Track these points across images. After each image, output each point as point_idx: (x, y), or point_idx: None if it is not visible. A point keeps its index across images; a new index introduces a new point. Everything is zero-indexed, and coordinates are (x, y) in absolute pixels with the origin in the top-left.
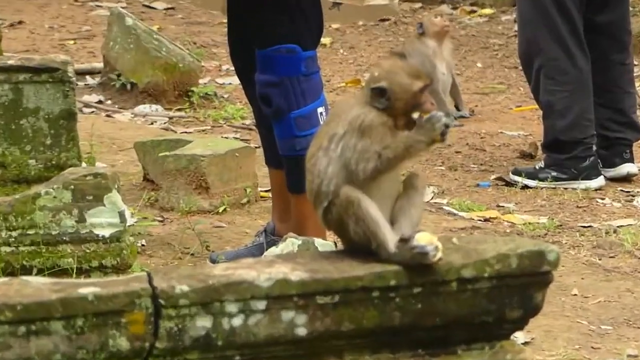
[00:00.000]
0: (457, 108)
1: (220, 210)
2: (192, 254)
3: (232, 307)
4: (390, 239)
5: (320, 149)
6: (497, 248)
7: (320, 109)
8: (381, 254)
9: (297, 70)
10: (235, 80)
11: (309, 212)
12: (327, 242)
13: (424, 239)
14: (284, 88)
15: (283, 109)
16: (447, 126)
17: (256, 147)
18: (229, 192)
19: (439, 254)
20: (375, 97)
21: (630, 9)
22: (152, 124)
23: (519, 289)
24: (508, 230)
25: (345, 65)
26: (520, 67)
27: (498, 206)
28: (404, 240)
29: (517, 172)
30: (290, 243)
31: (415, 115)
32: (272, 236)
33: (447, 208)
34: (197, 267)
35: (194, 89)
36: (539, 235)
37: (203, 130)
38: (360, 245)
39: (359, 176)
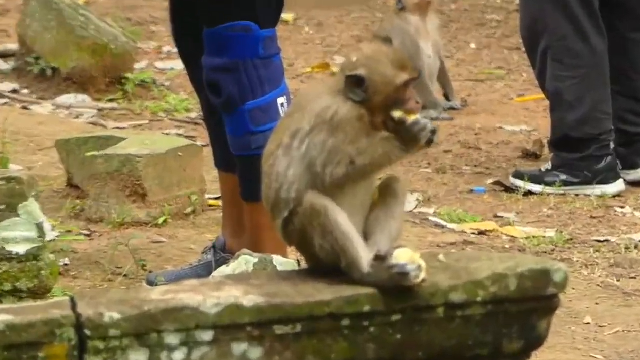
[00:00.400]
0: (447, 98)
1: (159, 222)
2: (125, 275)
3: (172, 339)
4: (363, 256)
5: (280, 147)
6: (492, 267)
7: (280, 99)
8: (353, 274)
9: (254, 52)
10: (178, 64)
11: (266, 224)
12: (288, 260)
13: (405, 257)
14: (237, 74)
15: (236, 99)
16: (433, 133)
17: (204, 146)
18: (170, 200)
19: (423, 275)
20: (350, 87)
21: None
22: (77, 117)
23: (520, 316)
24: (507, 246)
25: (311, 46)
26: (523, 49)
27: (496, 217)
28: (380, 258)
29: (519, 176)
30: (244, 261)
31: (397, 114)
32: (222, 253)
33: (433, 219)
34: (130, 291)
35: (128, 75)
36: (545, 252)
37: (139, 126)
38: (328, 264)
39: (324, 181)
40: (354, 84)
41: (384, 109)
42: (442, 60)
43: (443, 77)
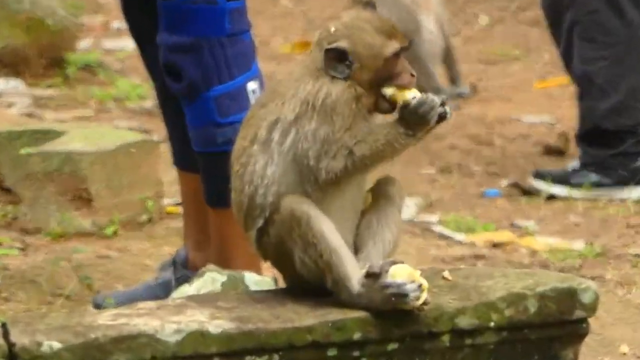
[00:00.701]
0: (453, 82)
1: (108, 233)
2: (68, 296)
3: None
4: (353, 272)
5: (254, 142)
6: (508, 285)
7: (251, 84)
8: (340, 294)
9: (219, 28)
10: (130, 43)
11: (236, 235)
12: (262, 278)
13: (403, 274)
14: (200, 54)
15: (199, 85)
16: (443, 107)
17: (160, 142)
18: (120, 207)
19: (424, 295)
20: (331, 63)
21: None
22: (9, 107)
23: (541, 344)
24: (526, 261)
25: (290, 20)
26: (544, 23)
27: (512, 225)
28: (373, 275)
29: (540, 176)
30: (210, 280)
31: (389, 91)
32: (183, 270)
33: (437, 228)
34: (74, 315)
35: (69, 56)
36: (572, 268)
37: (83, 117)
38: (310, 282)
39: (320, 176)
40: (335, 59)
41: (372, 87)
42: (446, 38)
43: (448, 58)
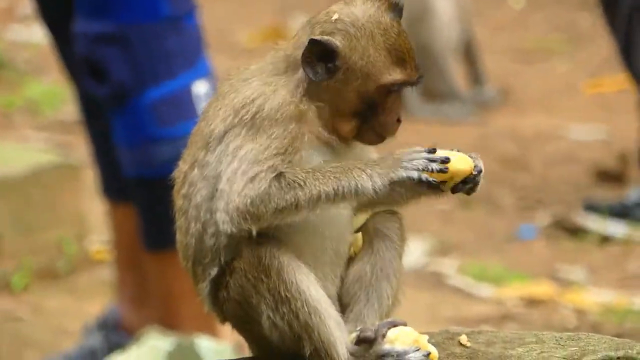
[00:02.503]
0: (476, 84)
1: (16, 286)
2: None
3: None
4: (339, 338)
5: (194, 166)
6: (544, 355)
7: (199, 86)
8: None
9: (153, 11)
10: (42, 34)
11: (184, 286)
12: (219, 344)
13: (405, 339)
14: (129, 46)
15: (128, 86)
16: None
17: (82, 164)
18: (31, 250)
19: None
20: (310, 58)
21: None
22: None
23: None
24: (571, 323)
25: (256, 2)
26: (597, 7)
27: (553, 276)
28: (365, 341)
29: (592, 209)
30: (152, 347)
31: (377, 121)
32: (115, 333)
33: (453, 280)
34: None
35: None
36: (632, 331)
37: None
38: (283, 349)
39: (229, 205)
40: (318, 55)
41: (351, 110)
42: (468, 27)
43: (470, 53)
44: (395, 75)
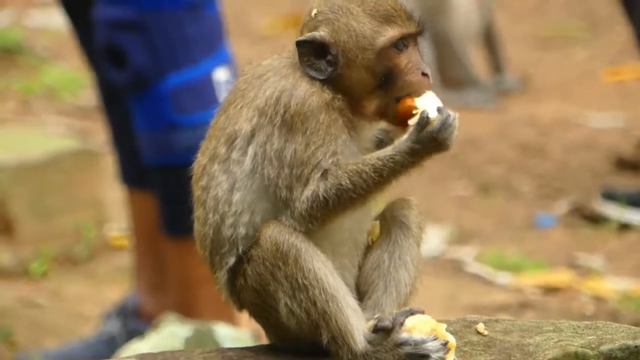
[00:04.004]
0: (496, 71)
1: (35, 272)
2: None
3: None
4: (356, 325)
5: (214, 160)
6: (562, 343)
7: (220, 73)
8: (340, 354)
9: None
10: (60, 18)
11: (202, 274)
12: (238, 331)
13: (422, 328)
14: (149, 32)
15: (148, 73)
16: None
17: (101, 150)
18: (50, 236)
19: (451, 356)
20: (307, 59)
21: None
22: None
23: None
24: (589, 311)
25: None
26: None
27: (572, 263)
28: (383, 330)
29: (610, 197)
30: (170, 334)
31: (407, 98)
32: (133, 320)
33: (472, 267)
34: None
35: None
36: None
37: (1, 117)
38: (301, 337)
39: (295, 210)
40: (312, 54)
41: (370, 90)
42: (487, 13)
43: (491, 41)
44: (387, 33)
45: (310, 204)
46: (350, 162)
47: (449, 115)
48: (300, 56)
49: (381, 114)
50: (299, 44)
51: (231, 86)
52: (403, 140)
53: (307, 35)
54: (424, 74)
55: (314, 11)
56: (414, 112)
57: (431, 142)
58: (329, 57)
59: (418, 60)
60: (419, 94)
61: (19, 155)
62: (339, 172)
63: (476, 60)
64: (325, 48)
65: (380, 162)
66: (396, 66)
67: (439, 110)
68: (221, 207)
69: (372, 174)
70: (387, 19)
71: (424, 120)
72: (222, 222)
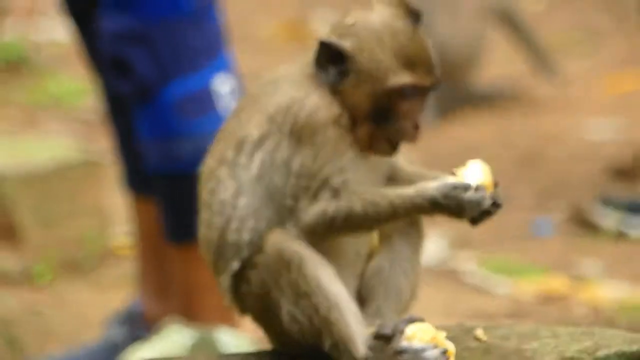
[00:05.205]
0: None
1: (40, 279)
2: None
3: None
4: (358, 333)
5: (222, 164)
6: (559, 349)
7: (221, 80)
8: (342, 359)
9: (176, 7)
10: (65, 30)
11: (206, 279)
12: (240, 336)
13: (422, 336)
14: (153, 42)
15: (152, 82)
16: (493, 206)
17: (105, 160)
18: (55, 243)
19: None
20: (322, 60)
21: None
22: None
23: None
24: (586, 318)
25: None
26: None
27: (569, 271)
28: (383, 337)
29: (608, 205)
30: (174, 339)
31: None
32: (137, 326)
33: (470, 275)
34: None
35: None
36: None
37: (7, 128)
38: (302, 343)
39: (300, 220)
40: (328, 57)
41: (363, 116)
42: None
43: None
44: (403, 78)
45: (316, 219)
46: (369, 190)
47: (485, 198)
48: (318, 54)
49: (369, 144)
50: (323, 44)
51: (236, 92)
52: (430, 187)
53: (334, 39)
54: (416, 127)
55: (350, 21)
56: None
57: (455, 205)
58: (342, 68)
59: (417, 111)
60: (406, 141)
61: (25, 164)
62: (354, 197)
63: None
64: (340, 57)
65: (398, 200)
66: (395, 109)
67: (478, 187)
68: (227, 211)
69: (387, 209)
70: (409, 64)
71: (465, 186)
72: (227, 227)
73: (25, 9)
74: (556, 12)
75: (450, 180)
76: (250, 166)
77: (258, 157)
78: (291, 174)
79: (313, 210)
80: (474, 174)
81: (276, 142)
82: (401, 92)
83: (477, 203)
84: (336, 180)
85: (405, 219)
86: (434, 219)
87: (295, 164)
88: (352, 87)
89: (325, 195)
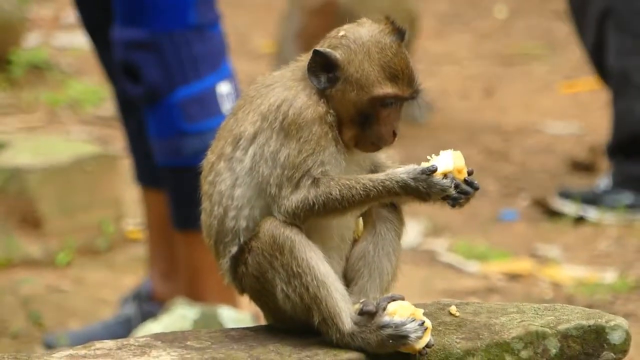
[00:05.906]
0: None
1: (60, 261)
2: (14, 335)
3: None
4: (344, 309)
5: (221, 158)
6: (525, 323)
7: (222, 87)
8: (329, 333)
9: (183, 20)
10: (84, 39)
11: (209, 263)
12: (239, 314)
13: (403, 312)
14: (161, 51)
15: (160, 87)
16: (467, 193)
17: (119, 155)
18: (74, 230)
19: (427, 338)
20: (314, 67)
21: None
22: None
23: None
24: (548, 295)
25: (272, 11)
26: (567, 14)
27: (532, 253)
28: (367, 313)
29: (566, 195)
30: (180, 316)
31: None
32: (148, 304)
33: (444, 257)
34: (21, 357)
35: (14, 55)
36: (601, 303)
37: (31, 126)
38: (295, 319)
39: (282, 208)
40: (320, 65)
41: (350, 120)
42: None
43: None
44: (386, 89)
45: (297, 205)
46: (344, 176)
47: (450, 186)
48: (311, 61)
49: (356, 143)
50: (317, 52)
51: (235, 97)
52: (399, 171)
53: (327, 49)
54: (394, 133)
55: (343, 32)
56: (428, 157)
57: (423, 187)
58: (332, 75)
59: (395, 119)
60: (383, 145)
61: (47, 159)
62: (332, 182)
63: None
64: (331, 66)
65: (370, 183)
66: (377, 115)
67: (446, 175)
68: (225, 200)
69: (361, 192)
70: (392, 77)
71: (430, 170)
72: (226, 215)
73: (49, 20)
74: (517, 21)
75: (420, 166)
76: (244, 159)
77: (251, 151)
78: (277, 165)
79: (295, 197)
80: (444, 161)
81: (267, 137)
82: (384, 101)
83: (442, 186)
84: (317, 171)
85: (379, 202)
86: (413, 207)
87: (282, 156)
88: (339, 92)
89: (306, 184)
